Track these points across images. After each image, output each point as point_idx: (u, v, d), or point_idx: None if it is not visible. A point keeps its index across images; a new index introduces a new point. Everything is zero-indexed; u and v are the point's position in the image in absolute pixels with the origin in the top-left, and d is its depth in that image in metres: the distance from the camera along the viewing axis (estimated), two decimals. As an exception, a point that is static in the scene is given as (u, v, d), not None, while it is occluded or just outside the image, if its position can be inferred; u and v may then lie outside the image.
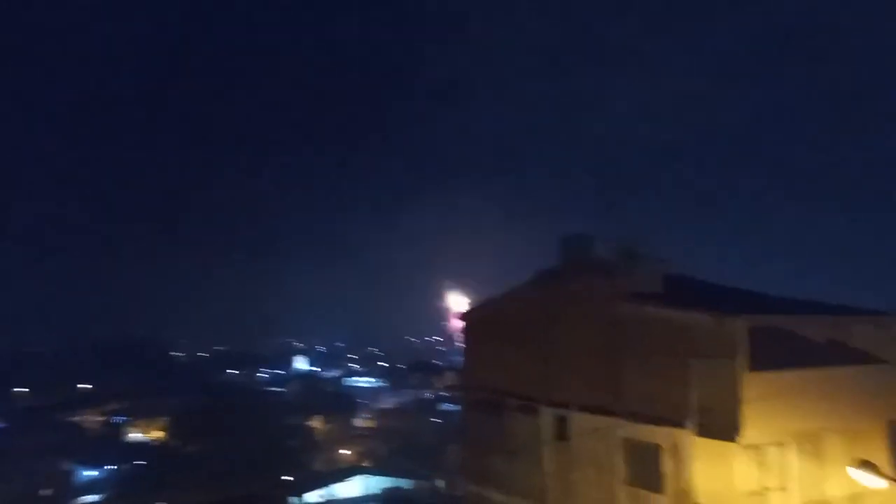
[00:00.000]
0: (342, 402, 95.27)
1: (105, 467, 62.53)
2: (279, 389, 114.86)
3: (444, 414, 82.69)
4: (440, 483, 52.85)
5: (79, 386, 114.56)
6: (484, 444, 20.95)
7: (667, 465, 14.55)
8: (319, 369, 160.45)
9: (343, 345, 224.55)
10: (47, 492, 54.36)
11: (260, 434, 65.90)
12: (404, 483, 52.10)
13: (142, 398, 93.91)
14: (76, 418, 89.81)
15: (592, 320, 17.05)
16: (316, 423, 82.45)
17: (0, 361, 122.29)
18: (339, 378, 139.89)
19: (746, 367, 13.40)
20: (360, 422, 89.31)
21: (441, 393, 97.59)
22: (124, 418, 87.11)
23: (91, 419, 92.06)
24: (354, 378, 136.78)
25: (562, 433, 17.61)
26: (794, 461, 15.12)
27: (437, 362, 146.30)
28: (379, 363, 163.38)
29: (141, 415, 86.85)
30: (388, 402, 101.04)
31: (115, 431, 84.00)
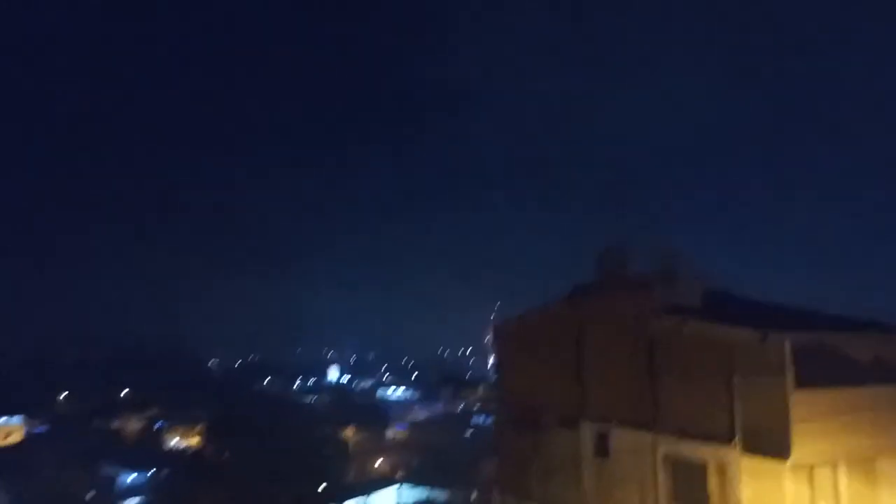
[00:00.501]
0: (375, 413, 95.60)
1: (145, 472, 63.78)
2: (313, 399, 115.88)
3: (476, 427, 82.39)
4: (473, 496, 52.64)
5: (117, 393, 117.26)
6: (520, 459, 20.90)
7: (713, 483, 14.36)
8: (352, 380, 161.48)
9: (375, 356, 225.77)
10: (90, 494, 55.67)
11: (294, 443, 66.51)
12: (437, 495, 52.04)
13: (179, 406, 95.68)
14: (115, 424, 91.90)
15: (631, 335, 16.97)
16: (349, 433, 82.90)
17: (39, 368, 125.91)
18: (371, 389, 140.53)
19: (794, 385, 13.19)
20: (392, 433, 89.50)
21: (473, 406, 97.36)
22: (164, 424, 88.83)
23: (130, 425, 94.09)
24: (387, 389, 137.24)
25: (602, 449, 17.50)
26: (844, 482, 14.80)
27: (470, 375, 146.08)
28: (411, 375, 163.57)
29: (178, 422, 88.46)
30: (420, 414, 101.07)
31: (155, 437, 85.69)
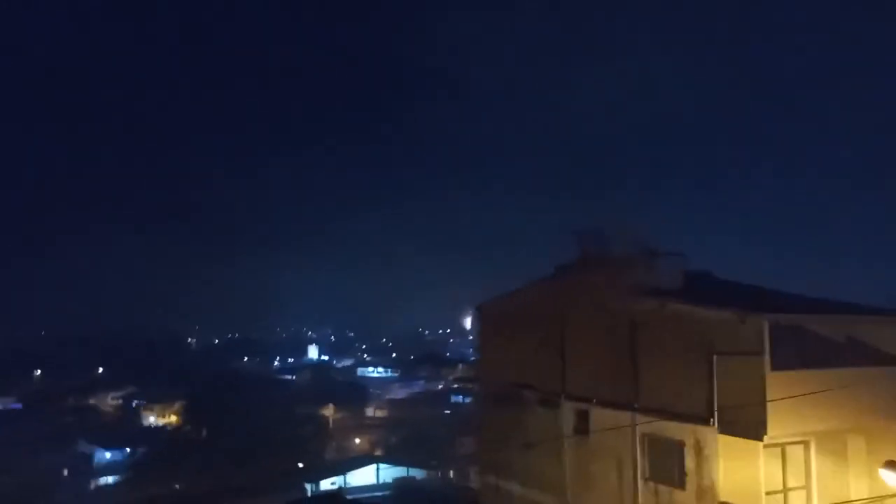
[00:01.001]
0: (354, 392, 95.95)
1: (122, 450, 63.50)
2: (291, 378, 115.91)
3: (455, 405, 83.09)
4: (451, 474, 53.24)
5: (92, 372, 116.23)
6: (501, 437, 21.12)
7: (690, 461, 14.64)
8: (332, 358, 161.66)
9: (354, 335, 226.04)
10: (66, 472, 55.33)
11: (273, 421, 66.60)
12: (416, 473, 52.51)
13: (156, 384, 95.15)
14: (91, 402, 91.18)
15: (612, 316, 17.13)
16: (328, 411, 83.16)
17: (13, 346, 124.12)
18: (351, 368, 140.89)
19: (770, 365, 13.42)
20: (371, 411, 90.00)
21: (452, 385, 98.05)
22: (140, 402, 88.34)
23: (107, 403, 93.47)
24: (366, 368, 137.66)
25: (582, 427, 17.74)
26: (815, 460, 15.19)
27: (449, 354, 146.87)
28: (391, 354, 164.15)
29: (155, 400, 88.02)
30: (399, 393, 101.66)
31: (132, 415, 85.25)
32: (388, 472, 52.34)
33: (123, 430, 74.30)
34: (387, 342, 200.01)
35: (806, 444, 15.17)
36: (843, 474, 15.50)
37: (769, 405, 13.15)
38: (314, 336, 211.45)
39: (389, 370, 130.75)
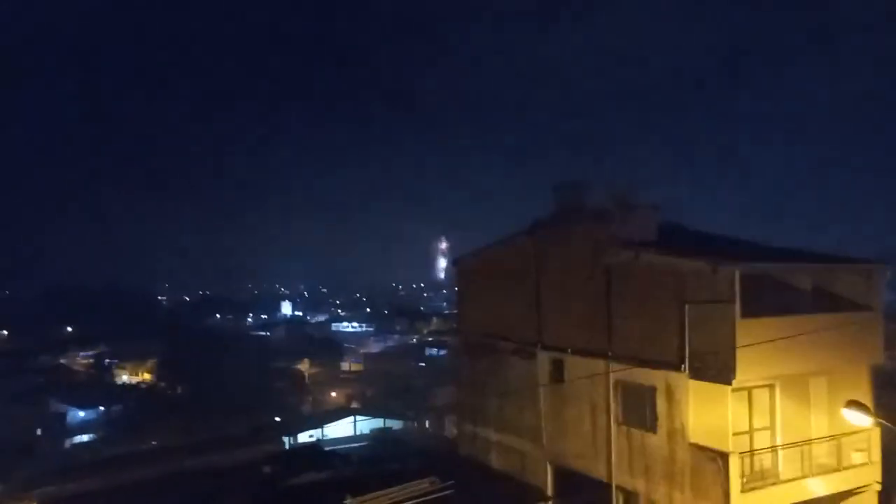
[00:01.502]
0: (329, 347, 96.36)
1: (96, 408, 63.16)
2: (265, 334, 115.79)
3: (429, 358, 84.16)
4: (428, 424, 54.25)
5: (62, 330, 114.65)
6: (478, 386, 21.58)
7: (661, 406, 15.15)
8: (305, 314, 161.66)
9: (327, 290, 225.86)
10: (39, 431, 54.95)
11: (248, 377, 66.68)
12: (393, 424, 53.36)
13: (128, 341, 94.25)
14: (63, 361, 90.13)
15: (587, 267, 17.38)
16: (303, 366, 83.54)
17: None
18: (325, 323, 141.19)
19: (740, 313, 13.82)
20: (347, 366, 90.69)
21: (427, 338, 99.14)
22: (112, 361, 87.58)
23: (78, 362, 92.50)
24: (341, 323, 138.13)
25: (557, 375, 18.18)
26: (780, 402, 15.84)
27: (423, 308, 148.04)
28: (365, 309, 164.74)
29: (128, 358, 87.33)
30: (374, 347, 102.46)
31: (104, 374, 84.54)
32: (364, 424, 53.07)
33: (96, 388, 73.61)
34: (361, 297, 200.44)
35: (771, 387, 15.81)
36: (805, 415, 16.24)
37: (738, 351, 13.61)
38: (287, 292, 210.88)
39: (364, 325, 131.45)
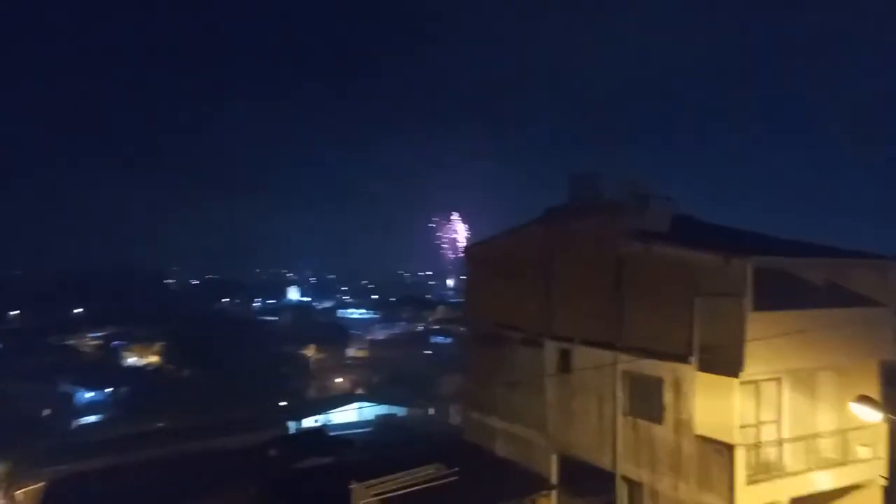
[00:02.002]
0: (335, 333, 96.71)
1: (103, 389, 63.70)
2: (273, 318, 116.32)
3: (435, 346, 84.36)
4: (432, 411, 54.48)
5: (71, 311, 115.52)
6: (486, 374, 21.61)
7: (668, 397, 15.13)
8: (312, 300, 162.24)
9: (334, 277, 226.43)
10: (47, 411, 55.50)
11: (255, 361, 67.12)
12: (398, 410, 53.63)
13: (136, 324, 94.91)
14: (71, 342, 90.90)
15: (599, 257, 17.32)
16: (310, 351, 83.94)
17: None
18: (331, 309, 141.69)
19: (751, 306, 13.74)
20: (353, 352, 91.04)
21: (433, 326, 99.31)
22: (121, 342, 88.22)
23: (86, 343, 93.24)
24: (347, 309, 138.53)
25: (565, 366, 18.17)
26: (787, 396, 15.79)
27: (429, 296, 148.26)
28: (371, 296, 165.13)
29: (136, 340, 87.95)
30: (380, 334, 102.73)
31: (112, 355, 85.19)
32: (369, 411, 53.36)
33: (104, 369, 74.28)
34: (367, 284, 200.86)
35: (779, 380, 15.76)
36: (812, 409, 16.20)
37: (747, 344, 13.54)
38: (294, 277, 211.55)
39: (370, 312, 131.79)
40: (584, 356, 17.50)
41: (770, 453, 14.94)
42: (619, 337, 16.41)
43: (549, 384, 18.65)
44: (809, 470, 14.70)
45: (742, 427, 14.61)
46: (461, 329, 29.52)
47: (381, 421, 50.18)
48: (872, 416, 10.88)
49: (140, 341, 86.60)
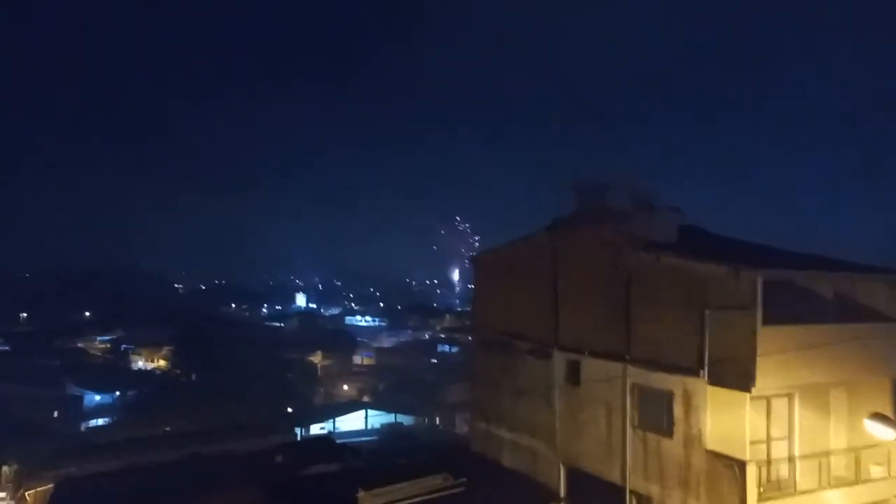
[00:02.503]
0: (342, 340, 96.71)
1: (111, 393, 63.94)
2: (279, 325, 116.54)
3: (441, 355, 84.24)
4: (438, 420, 54.39)
5: (79, 315, 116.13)
6: (493, 384, 21.55)
7: (678, 411, 15.03)
8: (318, 307, 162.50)
9: (341, 283, 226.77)
10: (55, 414, 55.75)
11: (261, 367, 67.15)
12: (404, 419, 53.57)
13: (144, 327, 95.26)
14: (80, 344, 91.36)
15: (606, 268, 17.29)
16: (316, 358, 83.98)
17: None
18: (338, 316, 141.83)
19: (761, 320, 13.66)
20: (359, 359, 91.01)
21: (440, 334, 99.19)
22: (129, 346, 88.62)
23: (94, 346, 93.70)
24: (354, 316, 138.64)
25: (573, 377, 18.10)
26: (799, 412, 15.66)
27: (436, 304, 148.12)
28: (378, 303, 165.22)
29: (144, 343, 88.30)
30: (386, 342, 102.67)
31: (121, 358, 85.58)
32: (376, 419, 53.34)
33: (113, 373, 74.60)
34: (374, 291, 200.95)
35: (790, 396, 15.63)
36: (824, 426, 16.04)
37: (758, 359, 13.46)
38: (301, 284, 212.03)
39: (377, 319, 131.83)
40: (592, 368, 17.43)
41: (781, 470, 14.80)
42: (629, 349, 16.34)
43: (558, 395, 18.57)
44: (821, 488, 14.54)
45: (753, 443, 14.48)
46: (468, 338, 29.46)
47: (388, 429, 50.13)
48: (887, 434, 10.77)
49: (148, 345, 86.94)
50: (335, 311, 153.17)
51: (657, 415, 15.55)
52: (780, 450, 15.36)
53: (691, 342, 14.65)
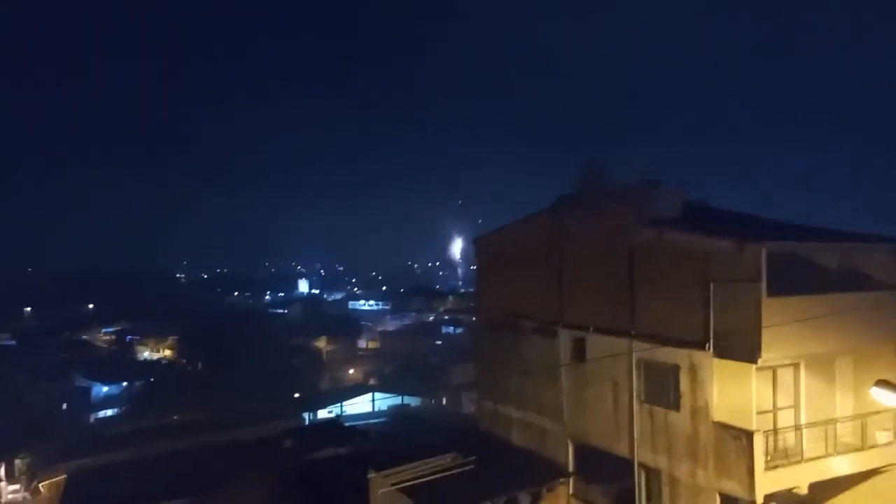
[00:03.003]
0: (346, 324, 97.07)
1: (119, 384, 64.37)
2: (283, 311, 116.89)
3: (446, 336, 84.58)
4: (445, 401, 54.70)
5: (84, 307, 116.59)
6: (499, 364, 21.69)
7: (684, 384, 15.13)
8: (322, 292, 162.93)
9: (343, 269, 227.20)
10: (64, 406, 56.19)
11: (267, 354, 67.41)
12: (411, 401, 53.87)
13: (148, 319, 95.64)
14: (85, 337, 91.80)
15: (611, 245, 17.30)
16: (321, 343, 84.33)
17: (4, 282, 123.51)
18: (341, 301, 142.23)
19: (766, 292, 13.70)
20: (364, 343, 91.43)
21: (443, 316, 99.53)
22: (134, 337, 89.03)
23: (100, 338, 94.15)
24: (357, 301, 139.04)
25: (579, 354, 18.20)
26: (805, 381, 15.78)
27: (439, 287, 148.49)
28: (381, 287, 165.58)
29: (149, 334, 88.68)
30: (391, 325, 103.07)
31: (126, 350, 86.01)
32: (383, 402, 53.66)
33: (119, 364, 75.04)
34: (377, 276, 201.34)
35: (796, 366, 15.75)
36: (830, 394, 16.18)
37: (763, 330, 13.52)
38: (304, 270, 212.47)
39: (380, 303, 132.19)
40: (598, 344, 17.52)
41: (788, 439, 14.93)
42: (634, 324, 16.41)
43: (564, 372, 18.69)
44: (828, 455, 14.68)
45: (760, 413, 14.61)
46: (473, 319, 29.57)
47: (395, 411, 50.42)
48: (893, 401, 10.84)
49: (153, 336, 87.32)
50: (338, 296, 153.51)
51: (664, 389, 15.66)
52: (786, 419, 15.51)
53: (697, 316, 14.72)
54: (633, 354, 16.38)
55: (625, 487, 16.79)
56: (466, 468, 17.68)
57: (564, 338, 18.71)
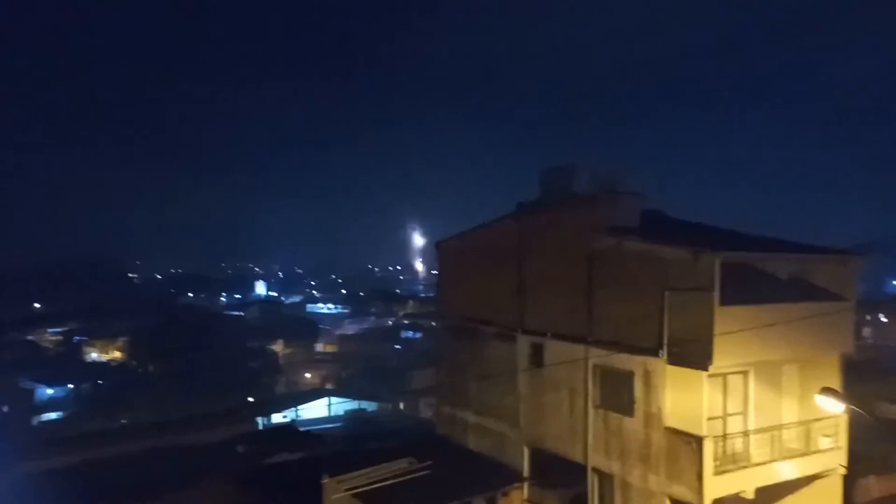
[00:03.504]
0: (304, 327, 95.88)
1: (64, 385, 62.19)
2: (240, 313, 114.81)
3: (405, 341, 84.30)
4: (402, 406, 54.44)
5: (30, 306, 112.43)
6: (459, 368, 21.68)
7: (638, 390, 15.36)
8: (279, 294, 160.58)
9: (302, 271, 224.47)
10: (6, 408, 53.97)
11: (222, 356, 66.12)
12: (368, 406, 53.48)
13: (98, 318, 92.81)
14: (31, 337, 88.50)
15: (570, 252, 17.47)
16: (278, 346, 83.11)
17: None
18: (300, 304, 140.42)
19: (719, 300, 14.01)
20: (322, 347, 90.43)
21: (403, 320, 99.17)
22: (82, 338, 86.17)
23: (48, 338, 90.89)
24: (316, 304, 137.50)
25: (537, 359, 18.31)
26: (753, 388, 16.18)
27: (399, 291, 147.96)
28: (340, 290, 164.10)
29: (98, 335, 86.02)
30: (349, 329, 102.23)
31: (74, 351, 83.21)
32: (339, 406, 53.11)
33: (65, 365, 72.55)
34: (336, 278, 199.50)
35: (745, 373, 16.13)
36: (777, 400, 16.62)
37: (715, 338, 13.82)
38: (261, 272, 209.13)
39: (339, 306, 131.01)
40: (556, 350, 17.67)
41: (736, 444, 15.28)
42: (591, 331, 16.60)
43: (522, 378, 18.79)
44: (774, 460, 15.08)
45: (710, 419, 14.91)
46: (433, 323, 29.54)
47: (352, 416, 49.97)
48: (836, 408, 11.21)
49: (102, 336, 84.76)
50: (296, 298, 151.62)
51: (618, 394, 15.87)
52: (735, 424, 15.85)
53: (651, 323, 14.96)
54: (590, 360, 16.57)
55: (579, 492, 16.94)
56: (422, 473, 17.59)
57: (523, 343, 18.81)
